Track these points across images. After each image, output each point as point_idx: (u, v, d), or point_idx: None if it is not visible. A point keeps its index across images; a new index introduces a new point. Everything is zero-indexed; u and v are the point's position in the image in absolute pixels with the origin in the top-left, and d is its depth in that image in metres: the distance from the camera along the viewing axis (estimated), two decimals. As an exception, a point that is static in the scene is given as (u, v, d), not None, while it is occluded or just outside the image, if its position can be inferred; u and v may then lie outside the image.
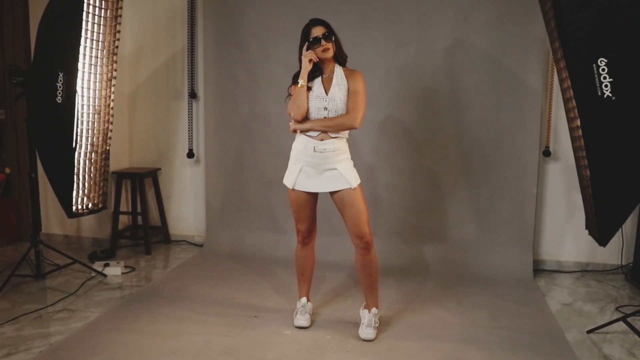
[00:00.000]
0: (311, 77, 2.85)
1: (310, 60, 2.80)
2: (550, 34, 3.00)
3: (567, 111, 3.09)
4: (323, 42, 2.77)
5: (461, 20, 4.01)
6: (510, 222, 4.08)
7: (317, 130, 2.82)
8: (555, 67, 3.41)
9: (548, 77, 3.99)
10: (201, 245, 4.63)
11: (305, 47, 2.82)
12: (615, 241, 3.95)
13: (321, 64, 2.86)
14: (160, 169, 4.79)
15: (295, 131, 2.91)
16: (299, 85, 2.80)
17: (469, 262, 4.05)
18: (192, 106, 4.62)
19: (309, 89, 2.84)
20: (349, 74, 2.87)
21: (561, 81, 3.06)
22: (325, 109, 2.81)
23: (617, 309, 3.44)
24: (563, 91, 3.07)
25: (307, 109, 2.83)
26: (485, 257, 4.06)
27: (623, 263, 4.08)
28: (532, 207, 4.04)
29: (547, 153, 4.07)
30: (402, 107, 4.16)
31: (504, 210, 4.09)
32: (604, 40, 2.64)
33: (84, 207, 3.83)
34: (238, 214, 4.53)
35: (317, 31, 2.78)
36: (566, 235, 4.17)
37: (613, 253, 4.06)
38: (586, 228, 3.19)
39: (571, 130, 3.09)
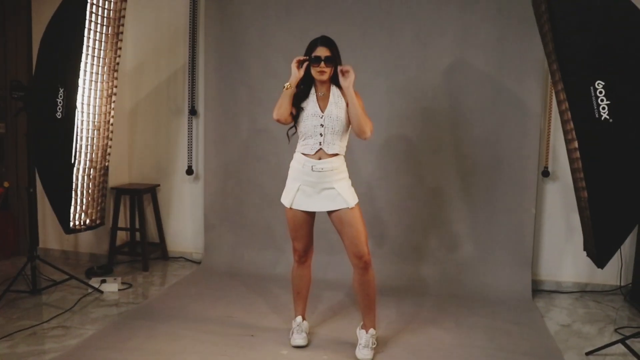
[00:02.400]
0: (303, 95, 2.86)
1: (297, 63, 2.79)
2: (549, 57, 3.03)
3: (565, 133, 3.11)
4: (322, 64, 2.77)
5: (460, 41, 4.04)
6: (509, 242, 4.07)
7: (353, 103, 2.75)
8: (553, 89, 3.44)
9: (547, 97, 4.02)
10: (199, 263, 4.61)
11: (297, 61, 2.81)
12: (614, 262, 3.94)
13: (316, 82, 2.87)
14: (159, 185, 4.79)
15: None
16: (285, 87, 2.79)
17: (467, 282, 4.04)
18: (192, 123, 4.64)
19: (301, 109, 2.85)
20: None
21: (559, 103, 3.08)
22: (322, 125, 2.81)
23: (616, 330, 3.42)
24: (561, 113, 3.09)
25: (301, 126, 2.84)
26: (484, 277, 4.05)
27: (622, 284, 4.07)
28: (531, 227, 4.04)
29: (545, 173, 4.08)
30: (402, 127, 4.17)
31: (502, 230, 4.09)
32: (601, 63, 2.67)
33: (82, 223, 3.83)
34: (236, 231, 4.52)
35: (321, 52, 2.77)
36: (565, 255, 4.16)
37: (612, 274, 4.05)
38: (584, 249, 3.18)
39: (569, 151, 3.11)
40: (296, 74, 2.80)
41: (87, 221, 3.86)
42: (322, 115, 2.82)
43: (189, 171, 4.67)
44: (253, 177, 4.46)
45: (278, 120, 2.83)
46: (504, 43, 3.97)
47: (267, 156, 4.39)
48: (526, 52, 3.91)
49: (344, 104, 2.84)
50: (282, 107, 2.80)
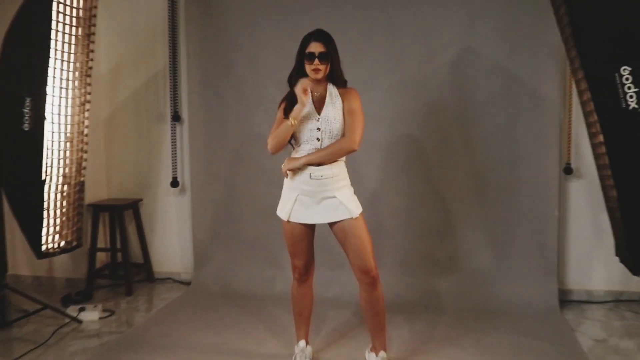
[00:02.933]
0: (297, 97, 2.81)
1: (305, 91, 2.73)
2: (566, 42, 2.99)
3: (588, 126, 3.06)
4: (317, 61, 2.73)
5: (467, 29, 4.03)
6: (530, 248, 4.05)
7: (314, 164, 2.78)
8: (573, 77, 3.40)
9: (566, 86, 3.98)
10: (188, 284, 4.59)
11: (304, 90, 2.76)
12: (650, 266, 3.90)
13: (311, 81, 2.84)
14: (141, 199, 4.76)
15: (287, 175, 2.86)
16: (290, 123, 2.75)
17: (486, 295, 4.01)
18: (175, 130, 4.61)
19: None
20: (343, 92, 2.85)
21: (580, 93, 3.04)
22: (319, 129, 2.79)
23: (657, 344, 3.37)
24: (583, 104, 3.05)
25: (296, 131, 2.83)
26: (504, 288, 4.02)
27: (661, 290, 4.03)
28: (555, 230, 4.01)
29: (568, 170, 4.05)
30: (406, 125, 4.16)
31: (523, 235, 4.06)
32: (626, 47, 2.63)
33: (56, 246, 3.78)
34: (229, 247, 4.49)
35: (315, 47, 2.74)
36: (595, 260, 4.11)
37: (648, 280, 4.01)
38: (616, 255, 3.13)
39: (594, 146, 3.06)
40: (304, 104, 2.74)
41: (62, 243, 3.81)
42: (319, 118, 2.80)
43: (174, 183, 4.64)
44: (245, 187, 4.43)
45: (272, 153, 2.87)
46: (515, 28, 3.95)
47: (260, 163, 4.35)
48: (541, 37, 3.88)
49: (341, 104, 2.82)
50: (280, 142, 2.81)
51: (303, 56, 2.77)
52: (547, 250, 4.01)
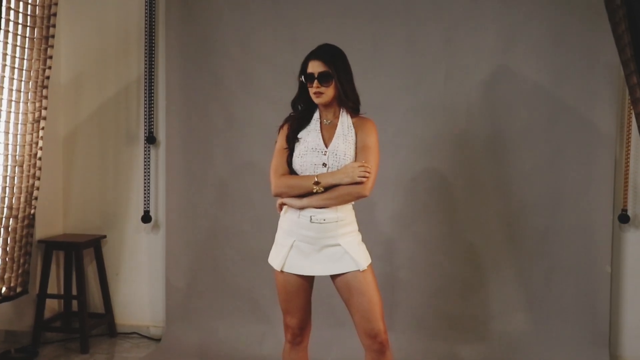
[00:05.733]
0: (303, 122, 2.85)
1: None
2: (626, 66, 3.02)
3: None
4: (316, 83, 2.74)
5: (503, 43, 4.03)
6: (575, 310, 4.02)
7: (317, 207, 2.75)
8: (633, 109, 3.36)
9: (625, 116, 3.94)
10: (159, 340, 4.54)
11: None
12: None
13: (320, 107, 2.85)
14: (105, 236, 4.71)
15: (281, 208, 2.87)
16: (315, 190, 2.74)
17: (520, 366, 3.92)
18: (149, 154, 4.58)
19: (297, 139, 2.83)
20: (359, 123, 2.84)
21: (642, 127, 3.02)
22: (324, 165, 2.77)
23: None
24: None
25: (296, 162, 2.83)
26: (542, 357, 3.98)
27: None
28: (606, 290, 3.98)
29: (624, 218, 3.98)
30: (427, 158, 4.16)
31: (566, 294, 4.04)
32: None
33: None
34: (209, 297, 4.45)
35: (314, 67, 2.76)
36: (656, 327, 4.01)
37: None
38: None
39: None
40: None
41: (3, 290, 3.78)
42: (326, 152, 2.79)
43: (146, 218, 4.59)
44: (231, 226, 4.41)
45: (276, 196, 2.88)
46: (563, 43, 3.95)
47: (250, 199, 4.33)
48: (594, 56, 3.89)
49: (354, 136, 2.82)
50: (291, 194, 2.81)
51: (305, 77, 2.80)
52: (595, 313, 3.99)
